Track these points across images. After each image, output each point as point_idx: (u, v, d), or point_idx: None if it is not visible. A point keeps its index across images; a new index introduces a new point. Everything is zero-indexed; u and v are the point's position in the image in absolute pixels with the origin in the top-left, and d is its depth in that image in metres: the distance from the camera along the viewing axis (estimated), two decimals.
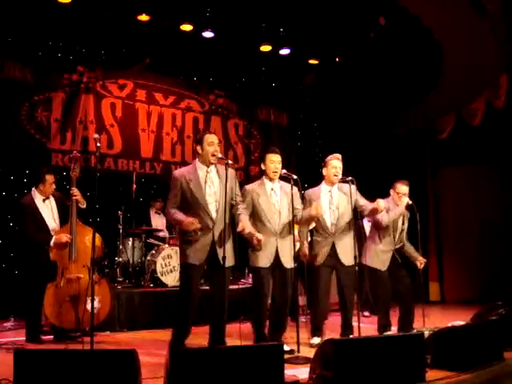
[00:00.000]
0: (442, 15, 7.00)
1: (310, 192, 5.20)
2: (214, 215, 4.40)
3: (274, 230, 4.67)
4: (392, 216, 5.33)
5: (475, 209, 9.39)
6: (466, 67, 7.76)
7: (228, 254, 4.34)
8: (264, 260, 4.63)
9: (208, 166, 4.49)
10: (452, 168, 9.48)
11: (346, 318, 5.11)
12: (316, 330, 5.07)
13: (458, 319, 5.45)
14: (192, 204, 4.40)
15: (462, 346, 3.80)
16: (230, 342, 4.52)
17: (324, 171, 5.17)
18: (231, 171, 4.46)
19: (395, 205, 5.43)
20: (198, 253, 4.36)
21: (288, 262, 4.66)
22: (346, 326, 5.09)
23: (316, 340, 4.95)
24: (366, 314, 7.00)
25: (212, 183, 4.46)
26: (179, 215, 4.35)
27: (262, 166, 4.83)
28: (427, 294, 9.08)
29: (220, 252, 4.36)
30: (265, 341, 4.58)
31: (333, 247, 5.03)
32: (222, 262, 4.32)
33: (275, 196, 4.75)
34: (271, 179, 4.77)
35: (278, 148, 4.91)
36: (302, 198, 5.06)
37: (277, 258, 4.64)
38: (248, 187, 4.82)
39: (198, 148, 4.49)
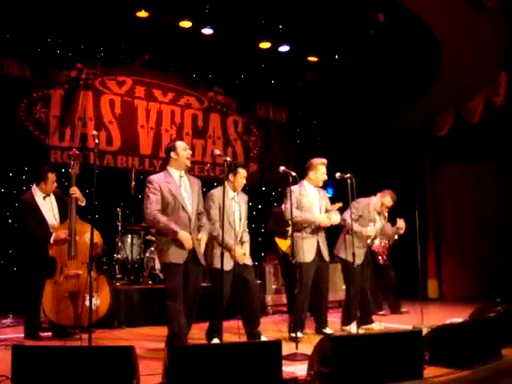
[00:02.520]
0: (442, 13, 7.00)
1: (295, 190, 5.16)
2: (192, 218, 4.40)
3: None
4: (368, 231, 5.64)
5: (474, 206, 9.39)
6: (464, 64, 7.75)
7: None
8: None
9: (181, 171, 4.50)
10: (451, 165, 9.46)
11: (324, 314, 5.32)
12: (300, 326, 5.08)
13: (457, 316, 5.45)
14: (173, 205, 4.36)
15: (460, 343, 3.79)
16: (228, 338, 4.51)
17: (311, 174, 5.31)
18: (198, 181, 4.61)
19: (374, 209, 5.77)
20: (181, 252, 4.29)
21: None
22: (324, 322, 5.28)
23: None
24: (382, 312, 6.78)
25: (186, 188, 4.46)
26: (174, 226, 4.29)
27: (231, 177, 4.92)
28: (426, 291, 9.08)
29: (198, 251, 4.40)
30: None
31: (317, 244, 5.21)
32: (201, 260, 4.42)
33: (236, 205, 4.94)
34: (235, 190, 4.96)
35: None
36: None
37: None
38: (216, 193, 4.88)
39: (173, 154, 4.50)
